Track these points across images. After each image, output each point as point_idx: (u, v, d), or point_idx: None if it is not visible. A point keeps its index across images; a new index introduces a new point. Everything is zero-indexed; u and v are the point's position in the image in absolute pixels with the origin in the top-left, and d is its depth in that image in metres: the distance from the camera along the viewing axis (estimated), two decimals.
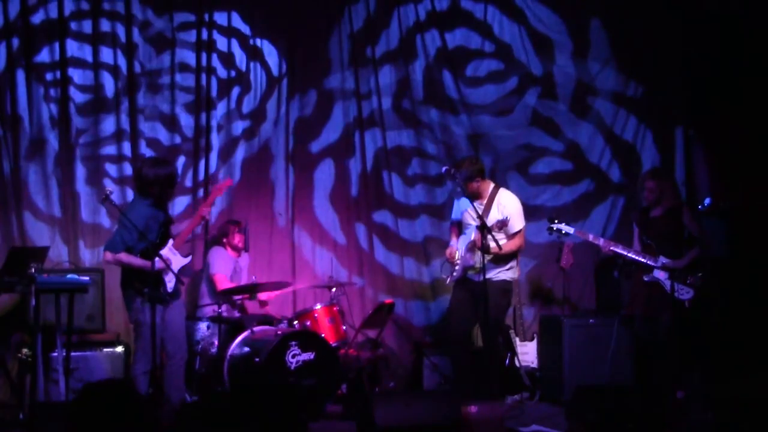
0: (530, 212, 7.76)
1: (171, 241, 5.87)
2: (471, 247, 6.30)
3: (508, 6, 7.89)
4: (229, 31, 7.44)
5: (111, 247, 5.76)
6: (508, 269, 6.36)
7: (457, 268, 6.42)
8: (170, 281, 5.81)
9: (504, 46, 7.89)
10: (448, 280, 6.54)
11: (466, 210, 6.43)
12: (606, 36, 7.94)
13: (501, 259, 6.29)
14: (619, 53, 7.95)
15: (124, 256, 5.71)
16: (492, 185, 6.47)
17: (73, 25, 7.10)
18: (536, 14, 7.89)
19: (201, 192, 7.27)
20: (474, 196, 6.31)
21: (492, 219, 6.21)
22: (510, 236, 6.31)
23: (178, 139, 7.30)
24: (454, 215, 6.66)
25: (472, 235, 6.24)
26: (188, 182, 7.28)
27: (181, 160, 7.28)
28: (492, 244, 6.06)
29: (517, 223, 6.34)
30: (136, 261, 5.71)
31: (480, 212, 6.17)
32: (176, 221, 6.55)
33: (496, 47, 7.89)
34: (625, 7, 7.89)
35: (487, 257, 6.10)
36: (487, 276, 6.11)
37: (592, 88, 7.95)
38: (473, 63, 7.88)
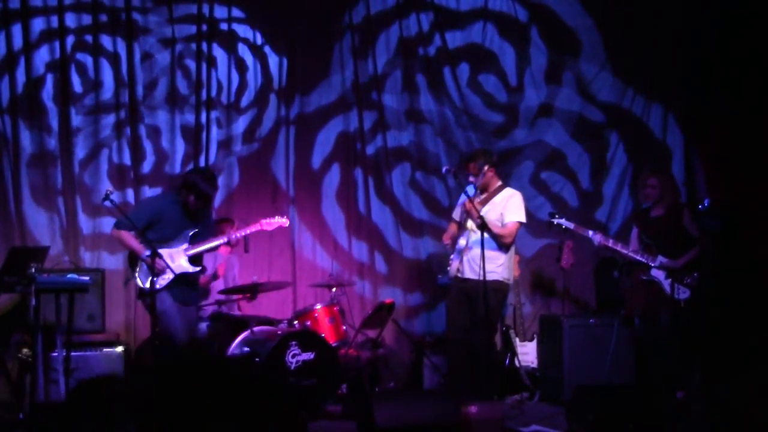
0: (529, 213, 7.78)
1: (186, 245, 5.92)
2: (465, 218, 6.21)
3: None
4: (230, 27, 7.43)
5: (117, 223, 5.99)
6: (499, 266, 6.08)
7: (450, 266, 6.35)
8: (164, 279, 5.78)
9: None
10: (439, 280, 6.50)
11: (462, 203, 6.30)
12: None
13: (491, 253, 6.03)
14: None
15: (124, 234, 5.92)
16: (499, 182, 6.37)
17: (73, 21, 7.10)
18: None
19: None
20: (482, 189, 6.23)
21: (485, 212, 6.09)
22: (503, 224, 6.19)
23: (178, 137, 7.31)
24: (456, 215, 6.51)
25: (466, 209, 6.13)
26: None
27: (180, 159, 7.29)
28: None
29: (513, 213, 6.20)
30: (134, 244, 5.88)
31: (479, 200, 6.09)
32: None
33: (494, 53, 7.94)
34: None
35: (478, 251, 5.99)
36: (478, 277, 6.02)
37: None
38: (474, 66, 7.90)
